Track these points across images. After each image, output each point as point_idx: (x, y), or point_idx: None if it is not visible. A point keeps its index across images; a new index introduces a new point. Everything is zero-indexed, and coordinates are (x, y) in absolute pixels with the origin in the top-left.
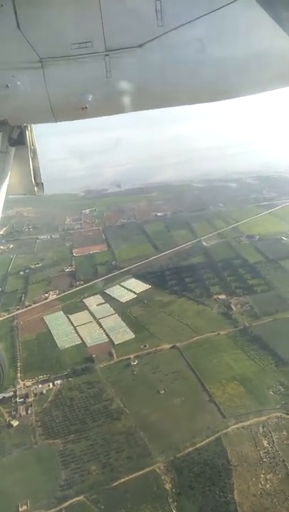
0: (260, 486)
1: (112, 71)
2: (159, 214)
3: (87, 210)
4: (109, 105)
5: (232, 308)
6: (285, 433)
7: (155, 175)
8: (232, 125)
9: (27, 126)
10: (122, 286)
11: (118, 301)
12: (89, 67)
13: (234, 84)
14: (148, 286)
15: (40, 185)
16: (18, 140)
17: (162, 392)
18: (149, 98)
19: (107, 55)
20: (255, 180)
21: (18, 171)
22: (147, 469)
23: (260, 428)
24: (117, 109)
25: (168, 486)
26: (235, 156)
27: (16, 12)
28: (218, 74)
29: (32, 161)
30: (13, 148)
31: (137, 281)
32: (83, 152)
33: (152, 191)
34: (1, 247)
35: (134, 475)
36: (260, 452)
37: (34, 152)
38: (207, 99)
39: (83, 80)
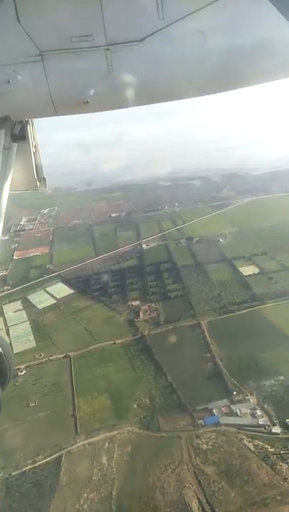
0: (77, 506)
1: (113, 65)
2: (113, 215)
3: (46, 210)
4: (111, 100)
5: (140, 316)
6: (128, 448)
7: (124, 174)
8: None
9: (28, 120)
10: (46, 291)
11: (35, 307)
12: (90, 61)
13: (237, 76)
14: (71, 291)
15: (42, 180)
16: (20, 135)
17: (32, 405)
18: (151, 92)
19: (108, 49)
20: (220, 178)
21: (20, 166)
22: None
23: (106, 444)
24: (119, 103)
25: None
26: (210, 152)
27: (15, 5)
28: (220, 66)
29: (34, 156)
30: (16, 144)
31: (64, 285)
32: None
33: (117, 191)
34: None
35: None
36: (95, 470)
37: (36, 147)
38: (210, 92)
39: (84, 74)
